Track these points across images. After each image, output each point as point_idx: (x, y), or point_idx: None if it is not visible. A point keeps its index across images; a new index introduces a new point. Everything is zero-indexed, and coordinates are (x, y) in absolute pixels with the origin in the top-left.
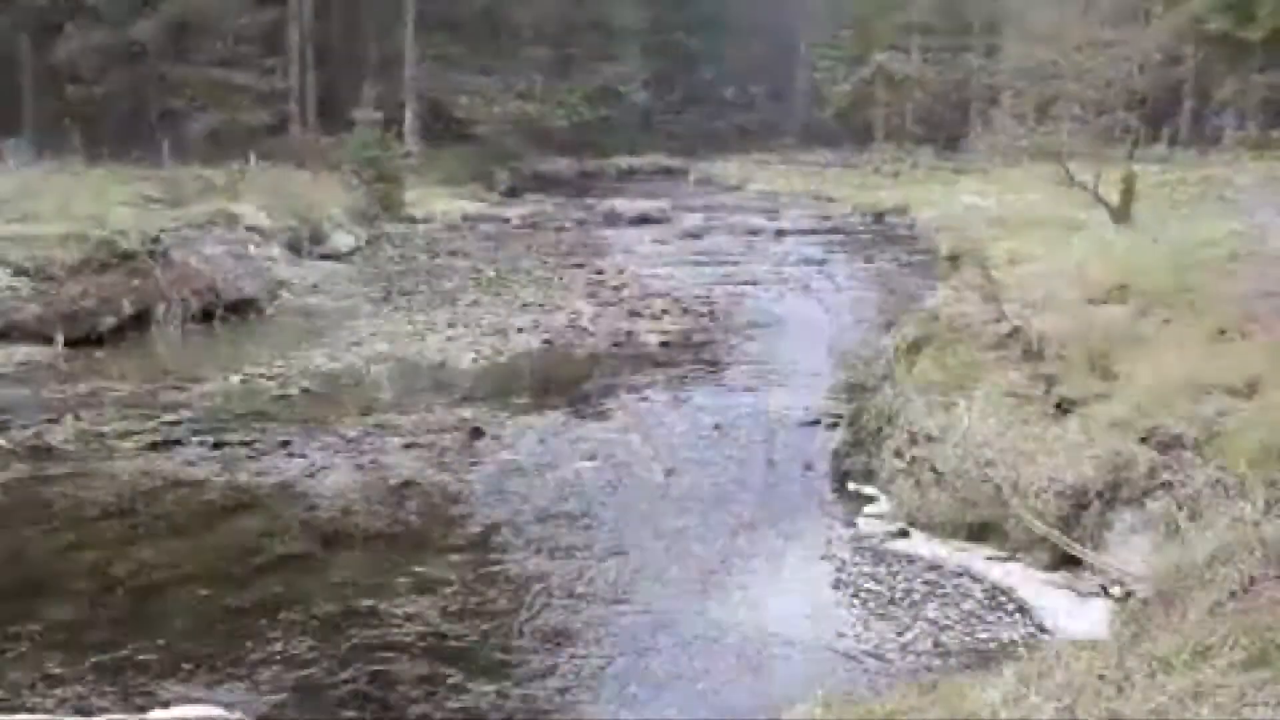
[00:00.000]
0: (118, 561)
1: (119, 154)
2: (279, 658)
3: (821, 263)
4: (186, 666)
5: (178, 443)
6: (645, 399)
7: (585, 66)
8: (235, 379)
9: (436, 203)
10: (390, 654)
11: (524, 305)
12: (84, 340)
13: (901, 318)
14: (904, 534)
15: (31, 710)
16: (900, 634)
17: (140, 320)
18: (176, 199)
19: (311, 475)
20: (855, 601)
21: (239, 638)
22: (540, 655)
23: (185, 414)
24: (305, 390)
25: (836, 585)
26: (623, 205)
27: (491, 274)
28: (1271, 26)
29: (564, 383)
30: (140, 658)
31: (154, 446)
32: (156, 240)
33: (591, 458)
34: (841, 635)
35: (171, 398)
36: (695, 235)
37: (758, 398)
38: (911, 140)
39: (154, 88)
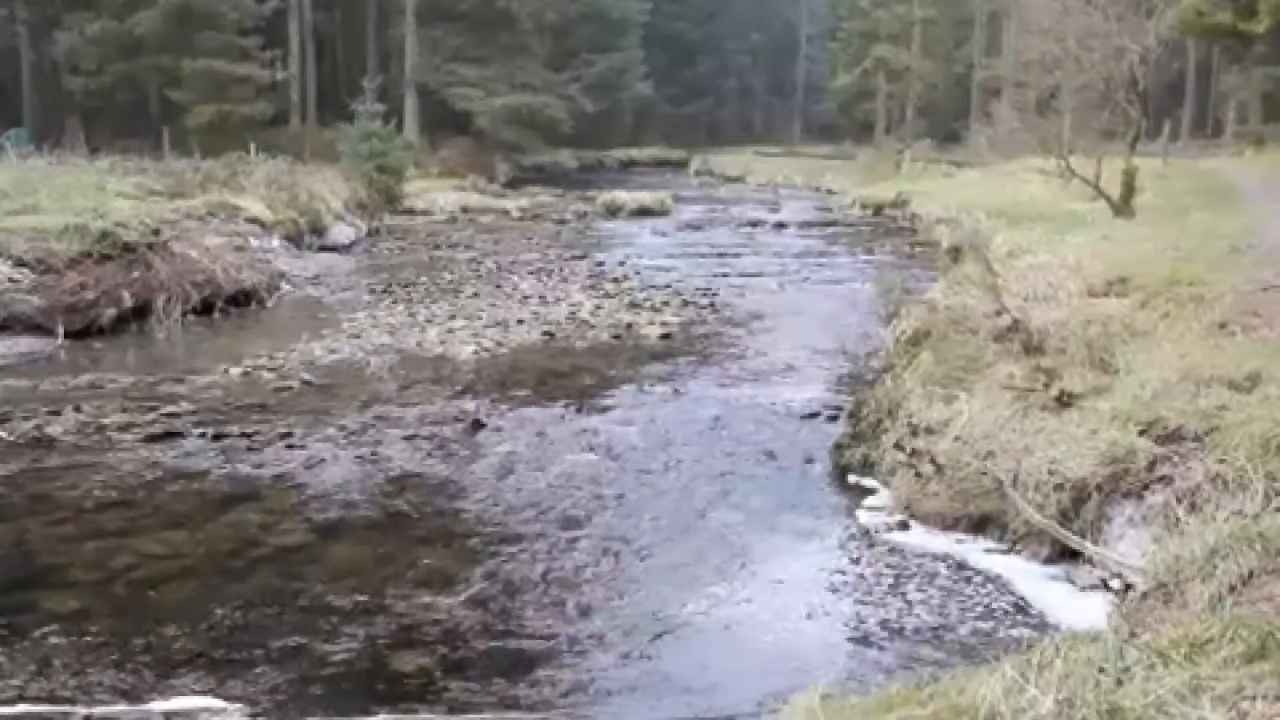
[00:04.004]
0: (118, 553)
1: (119, 145)
2: (278, 649)
3: (822, 255)
4: (186, 658)
5: (178, 434)
6: (645, 391)
7: (585, 58)
8: (235, 371)
9: (437, 195)
10: (391, 646)
11: (524, 297)
12: (84, 332)
13: (902, 310)
14: (904, 526)
15: (31, 701)
16: (899, 626)
17: (141, 312)
18: (177, 191)
19: (312, 467)
20: (855, 593)
21: (239, 629)
22: (540, 647)
23: (185, 406)
24: (306, 382)
25: (836, 577)
26: (623, 197)
27: (492, 266)
28: (1274, 20)
29: (564, 375)
30: (140, 649)
31: (154, 438)
32: (157, 232)
33: (591, 450)
34: (840, 627)
35: (172, 389)
36: (696, 228)
37: (758, 390)
38: (912, 133)
39: (154, 79)
